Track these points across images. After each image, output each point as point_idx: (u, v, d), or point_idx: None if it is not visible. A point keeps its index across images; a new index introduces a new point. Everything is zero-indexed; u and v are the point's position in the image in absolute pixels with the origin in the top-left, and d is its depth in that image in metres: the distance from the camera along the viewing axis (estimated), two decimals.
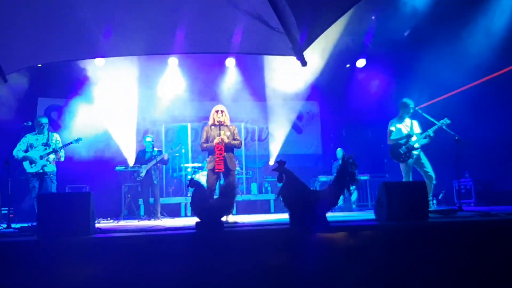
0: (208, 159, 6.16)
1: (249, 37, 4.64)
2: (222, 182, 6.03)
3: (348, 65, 11.40)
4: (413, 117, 6.97)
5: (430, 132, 6.58)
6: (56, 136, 7.03)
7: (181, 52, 5.17)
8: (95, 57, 8.12)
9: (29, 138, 6.86)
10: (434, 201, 8.93)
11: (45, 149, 6.76)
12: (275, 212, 9.99)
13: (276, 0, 4.12)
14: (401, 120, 6.93)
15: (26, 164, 6.71)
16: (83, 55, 5.59)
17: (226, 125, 6.16)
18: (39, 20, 4.40)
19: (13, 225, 5.34)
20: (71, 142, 7.02)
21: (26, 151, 6.75)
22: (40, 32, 4.52)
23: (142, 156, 8.58)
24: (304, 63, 4.69)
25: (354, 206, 9.65)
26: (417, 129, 6.89)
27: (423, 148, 6.78)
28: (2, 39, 4.50)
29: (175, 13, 4.46)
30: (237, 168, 10.36)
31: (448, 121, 6.43)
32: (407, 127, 6.87)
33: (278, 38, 4.49)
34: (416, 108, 6.81)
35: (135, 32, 4.66)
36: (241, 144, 6.26)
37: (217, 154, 5.88)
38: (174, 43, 4.79)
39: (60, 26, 4.49)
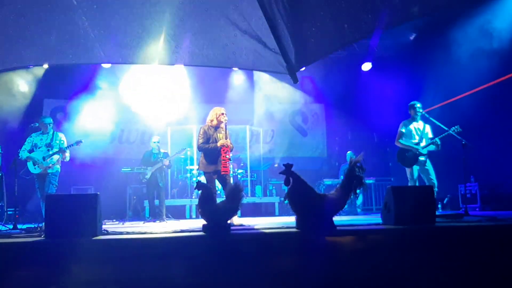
0: (205, 161, 6.01)
1: (247, 54, 5.05)
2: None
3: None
4: (426, 121, 6.93)
5: (437, 140, 6.57)
6: (61, 136, 7.02)
7: (185, 64, 5.49)
8: (95, 63, 8.27)
9: (34, 138, 6.88)
10: (439, 205, 8.90)
11: (48, 150, 6.77)
12: (280, 215, 9.97)
13: (276, 24, 4.45)
14: (412, 122, 6.90)
15: (29, 165, 6.74)
16: (87, 60, 5.63)
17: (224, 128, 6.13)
18: (41, 22, 4.45)
19: (19, 226, 5.35)
20: (72, 145, 6.98)
21: (31, 151, 6.76)
22: (40, 34, 4.59)
23: (148, 158, 8.59)
24: (295, 80, 5.09)
25: (359, 210, 9.61)
26: (429, 133, 6.86)
27: (430, 154, 6.77)
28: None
29: (179, 27, 4.74)
30: (241, 170, 10.42)
31: (460, 130, 6.41)
32: (419, 130, 6.85)
33: (274, 57, 4.88)
34: (423, 112, 6.78)
35: (137, 41, 4.83)
36: (233, 149, 6.28)
37: (223, 156, 5.87)
38: (177, 55, 5.02)
39: (61, 31, 4.59)
